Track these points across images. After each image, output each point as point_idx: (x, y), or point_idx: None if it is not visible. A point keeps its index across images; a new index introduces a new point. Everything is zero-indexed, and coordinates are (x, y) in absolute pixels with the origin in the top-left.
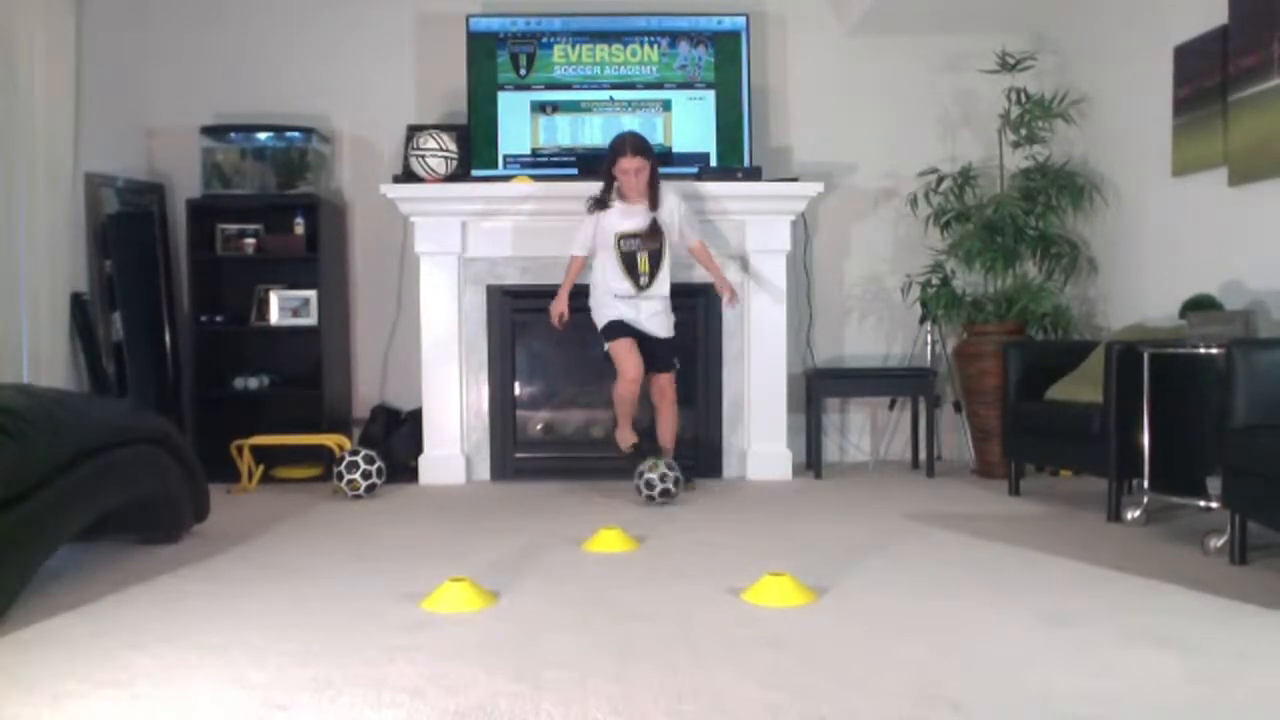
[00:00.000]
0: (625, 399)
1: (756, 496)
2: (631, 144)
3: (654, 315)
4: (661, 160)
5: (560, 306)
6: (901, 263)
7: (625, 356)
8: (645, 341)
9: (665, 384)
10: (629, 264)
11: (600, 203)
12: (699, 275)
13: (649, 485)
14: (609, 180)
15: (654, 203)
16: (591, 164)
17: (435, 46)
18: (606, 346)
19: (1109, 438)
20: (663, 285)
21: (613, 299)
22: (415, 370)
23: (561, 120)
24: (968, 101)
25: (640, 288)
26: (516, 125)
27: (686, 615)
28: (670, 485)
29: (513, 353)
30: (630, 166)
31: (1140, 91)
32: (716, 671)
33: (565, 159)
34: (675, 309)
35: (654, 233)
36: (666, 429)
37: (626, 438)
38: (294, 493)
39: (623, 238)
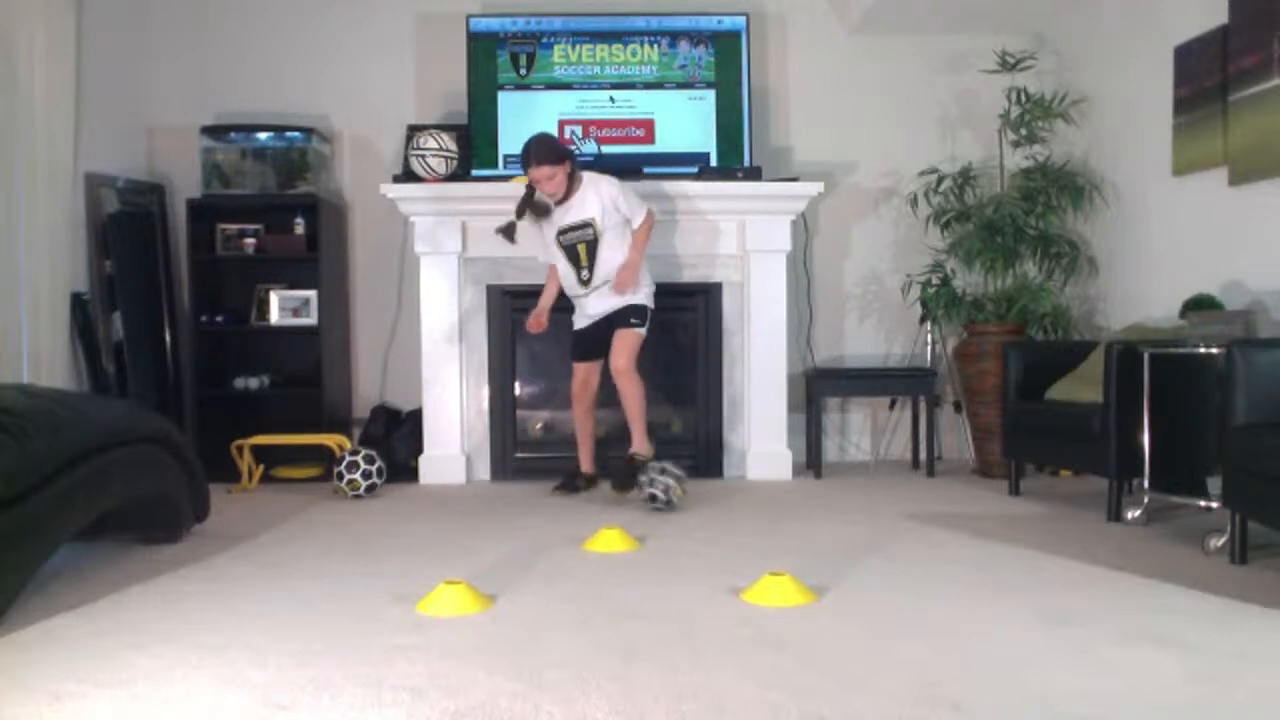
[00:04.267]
0: (575, 415)
1: (756, 496)
2: (535, 155)
3: (601, 299)
4: (661, 160)
5: (532, 317)
6: (901, 263)
7: (576, 374)
8: (601, 321)
9: (619, 347)
10: (572, 257)
11: (535, 209)
12: (699, 274)
13: (651, 498)
14: (529, 182)
15: (570, 196)
16: (590, 165)
17: (435, 46)
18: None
19: (1109, 438)
20: (604, 274)
21: (573, 299)
22: (415, 370)
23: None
24: (968, 101)
25: (583, 281)
26: (516, 125)
27: (687, 615)
28: (659, 492)
29: (513, 353)
30: (540, 176)
31: (1140, 91)
32: (717, 671)
33: None
34: (675, 308)
35: (585, 223)
36: (631, 409)
37: (584, 461)
38: (294, 493)
39: (561, 233)
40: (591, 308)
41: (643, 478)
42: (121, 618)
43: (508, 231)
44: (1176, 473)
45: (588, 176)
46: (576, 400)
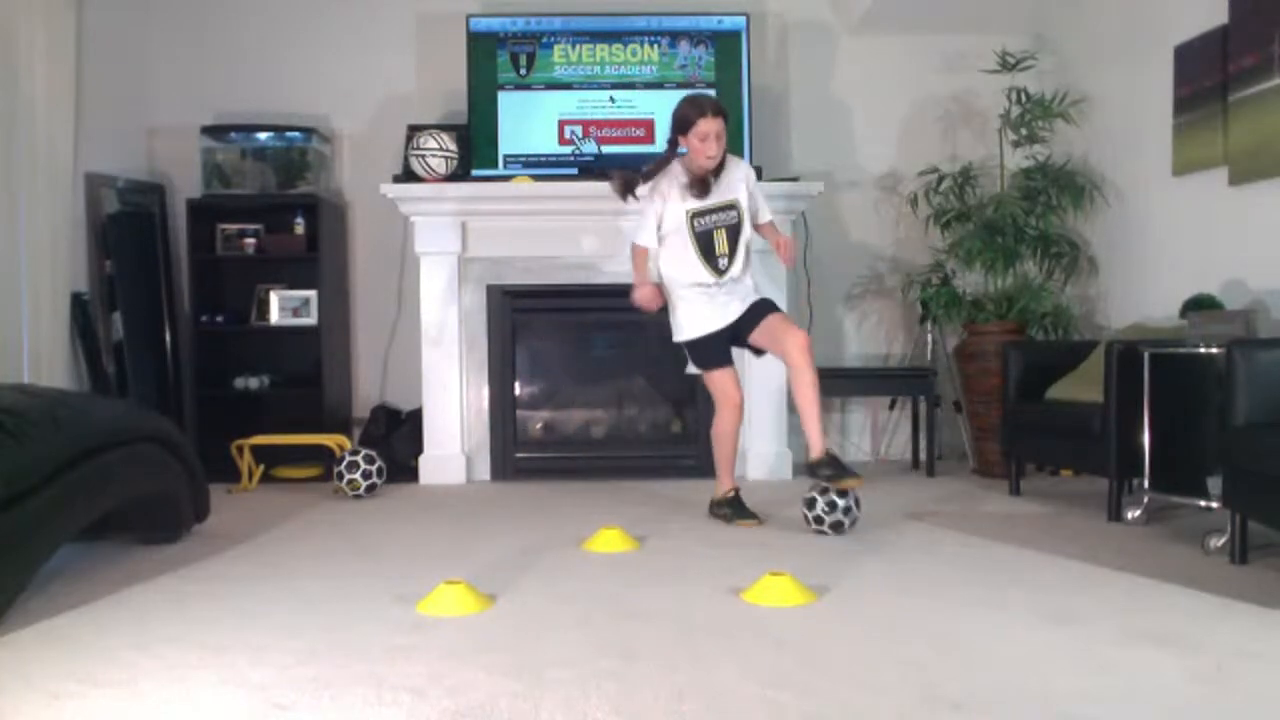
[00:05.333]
0: (728, 432)
1: (757, 496)
2: (712, 105)
3: (743, 299)
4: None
5: (646, 291)
6: (901, 263)
7: (722, 384)
8: (737, 321)
9: (787, 329)
10: (705, 246)
11: (661, 178)
12: None
13: (817, 520)
14: (672, 151)
15: (721, 167)
16: (591, 165)
17: (435, 46)
18: (696, 371)
19: (1109, 437)
20: (743, 268)
21: (689, 292)
22: (415, 370)
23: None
24: (968, 101)
25: (720, 272)
26: (516, 125)
27: (687, 615)
28: (841, 517)
29: (513, 353)
30: (712, 129)
31: (1140, 91)
32: (717, 671)
33: (565, 159)
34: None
35: (729, 205)
36: (806, 402)
37: (725, 484)
38: (294, 493)
39: (696, 216)
40: (730, 313)
41: (818, 498)
42: (122, 618)
43: (627, 185)
44: (1176, 473)
45: (730, 155)
46: (739, 409)
